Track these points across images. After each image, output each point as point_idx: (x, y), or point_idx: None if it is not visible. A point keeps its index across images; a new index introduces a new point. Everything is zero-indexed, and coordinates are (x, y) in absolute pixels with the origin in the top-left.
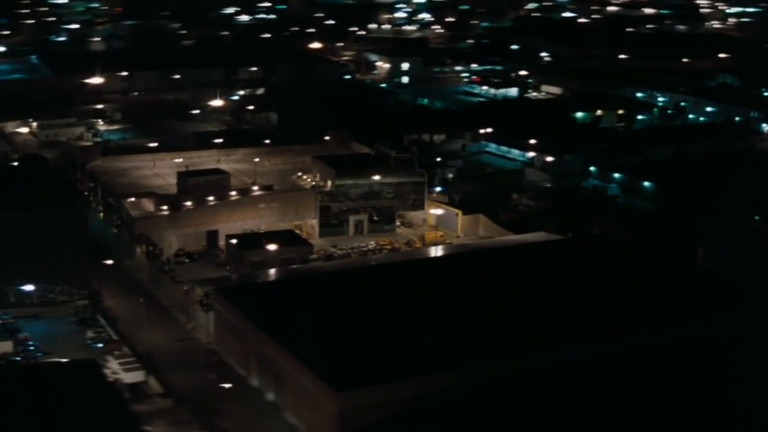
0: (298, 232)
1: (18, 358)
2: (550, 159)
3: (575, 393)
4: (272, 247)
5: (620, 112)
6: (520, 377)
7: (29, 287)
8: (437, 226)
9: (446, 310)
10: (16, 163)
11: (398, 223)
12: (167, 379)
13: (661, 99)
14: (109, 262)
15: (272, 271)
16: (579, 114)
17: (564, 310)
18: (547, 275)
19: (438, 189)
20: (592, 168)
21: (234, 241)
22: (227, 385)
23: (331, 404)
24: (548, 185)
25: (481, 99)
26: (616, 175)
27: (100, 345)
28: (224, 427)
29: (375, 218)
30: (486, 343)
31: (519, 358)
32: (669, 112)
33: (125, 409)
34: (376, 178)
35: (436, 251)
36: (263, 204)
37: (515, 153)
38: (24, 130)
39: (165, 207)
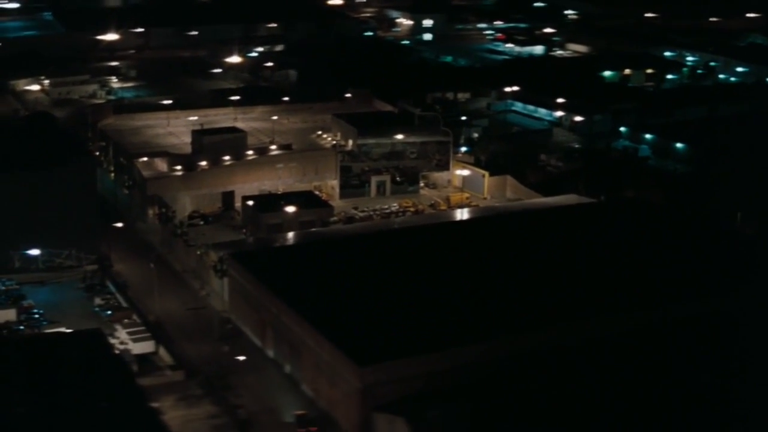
0: (317, 193)
1: (21, 327)
2: (578, 119)
3: (610, 367)
4: (291, 209)
5: (649, 71)
6: (552, 350)
7: (35, 251)
8: (463, 187)
9: (473, 277)
10: (23, 122)
11: (422, 185)
12: (178, 350)
13: (690, 59)
14: (120, 224)
15: (290, 235)
16: (607, 73)
17: (598, 279)
18: (580, 241)
19: (463, 149)
20: (622, 128)
21: (251, 202)
22: (241, 358)
23: (353, 379)
24: (577, 146)
25: (506, 57)
26: (647, 136)
27: (109, 313)
28: (237, 403)
29: (398, 179)
30: (516, 314)
31: (551, 329)
32: (699, 72)
33: (132, 383)
34: (400, 137)
35: (462, 214)
36: (281, 164)
37: (542, 112)
38: (35, 87)
39: (179, 167)
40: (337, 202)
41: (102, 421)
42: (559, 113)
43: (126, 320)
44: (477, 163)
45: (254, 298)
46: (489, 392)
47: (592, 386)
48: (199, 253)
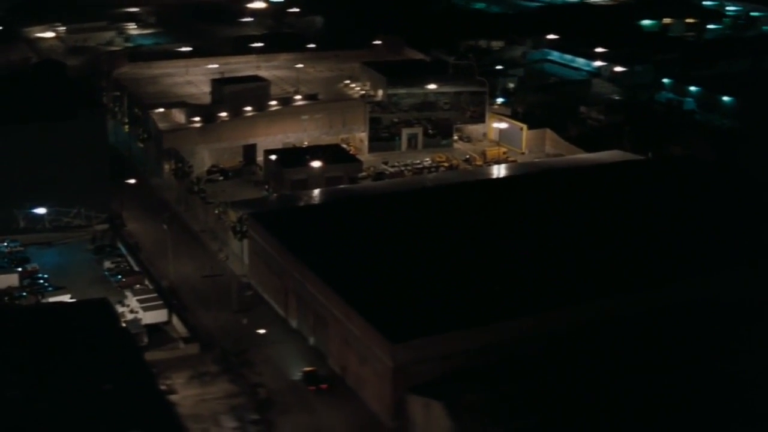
0: (345, 146)
1: (24, 294)
2: (619, 69)
3: (663, 342)
4: (316, 163)
5: (689, 21)
6: (600, 324)
7: (40, 210)
8: (499, 141)
9: (514, 242)
10: (31, 70)
11: (456, 138)
12: (193, 320)
13: (731, 8)
14: (133, 181)
15: (316, 192)
16: (645, 22)
17: (649, 245)
18: (628, 202)
19: (499, 100)
20: (664, 80)
21: (273, 157)
22: (262, 331)
23: (385, 357)
24: (618, 98)
25: (540, 4)
26: (692, 88)
27: (119, 278)
28: (257, 381)
29: (430, 132)
30: (560, 284)
31: (600, 302)
32: (740, 22)
33: (140, 361)
34: (432, 87)
35: (500, 171)
36: (306, 115)
37: (580, 62)
38: (50, 35)
39: (197, 119)
40: (365, 157)
41: (104, 407)
42: (598, 63)
43: (137, 286)
44: (514, 116)
45: (276, 263)
46: (533, 372)
47: (644, 364)
48: (217, 212)
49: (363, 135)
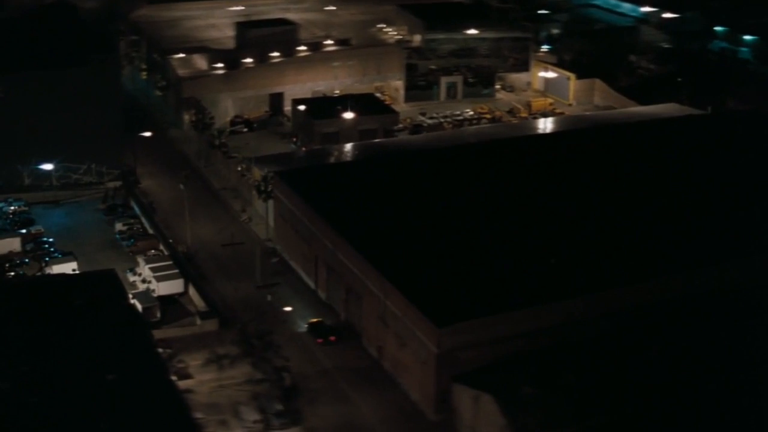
0: (379, 95)
1: (26, 261)
2: (668, 15)
3: (743, 321)
4: (349, 115)
5: None
6: (671, 302)
7: (48, 166)
8: (545, 91)
9: (566, 209)
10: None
11: (498, 87)
12: (212, 292)
13: None
14: (148, 133)
15: (348, 147)
16: None
17: (722, 214)
18: (694, 163)
19: (544, 47)
20: (717, 28)
21: (302, 107)
22: (288, 309)
23: (429, 342)
24: (668, 46)
25: None
26: (747, 37)
27: (131, 241)
28: (282, 365)
29: (471, 80)
30: (622, 258)
31: (668, 277)
32: None
33: (147, 344)
34: (473, 32)
35: (547, 124)
36: (338, 62)
37: (626, 7)
38: None
39: (220, 65)
40: (401, 107)
41: (105, 401)
42: (646, 8)
43: (151, 252)
44: (560, 64)
45: (305, 228)
46: (598, 360)
47: (727, 349)
48: (240, 168)
49: (399, 83)
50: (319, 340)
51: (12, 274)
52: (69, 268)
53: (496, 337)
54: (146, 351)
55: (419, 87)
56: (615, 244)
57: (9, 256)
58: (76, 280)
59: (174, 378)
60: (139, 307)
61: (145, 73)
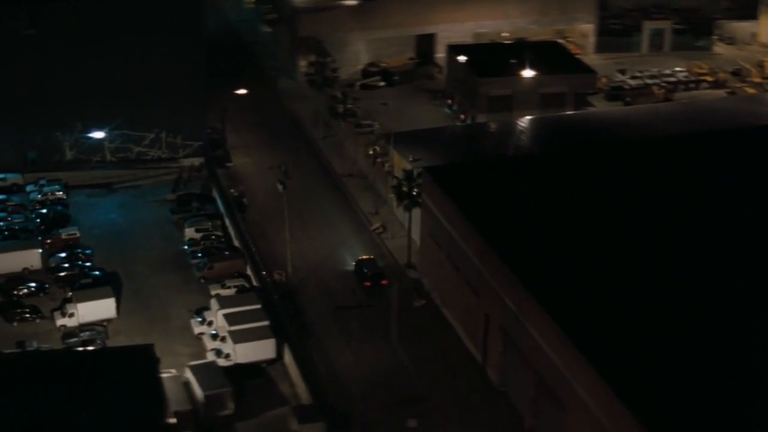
0: (561, 43)
1: (45, 286)
2: None
3: None
4: (528, 72)
5: None
6: None
7: (98, 134)
8: None
9: None
10: None
11: (715, 38)
12: (321, 360)
13: None
14: (242, 91)
15: (528, 120)
16: None
17: None
18: None
19: None
20: None
21: (462, 58)
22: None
23: None
24: None
25: None
26: None
27: (203, 262)
28: None
29: (680, 28)
30: None
31: None
32: None
33: None
34: None
35: None
36: None
37: None
38: None
39: None
40: (590, 58)
41: None
42: None
43: (229, 285)
44: None
45: (470, 265)
46: None
47: None
48: (371, 152)
49: (587, 27)
50: (367, 284)
51: (19, 312)
52: (101, 309)
53: None
54: None
55: (614, 33)
56: None
57: (23, 275)
58: (91, 360)
59: None
60: (198, 392)
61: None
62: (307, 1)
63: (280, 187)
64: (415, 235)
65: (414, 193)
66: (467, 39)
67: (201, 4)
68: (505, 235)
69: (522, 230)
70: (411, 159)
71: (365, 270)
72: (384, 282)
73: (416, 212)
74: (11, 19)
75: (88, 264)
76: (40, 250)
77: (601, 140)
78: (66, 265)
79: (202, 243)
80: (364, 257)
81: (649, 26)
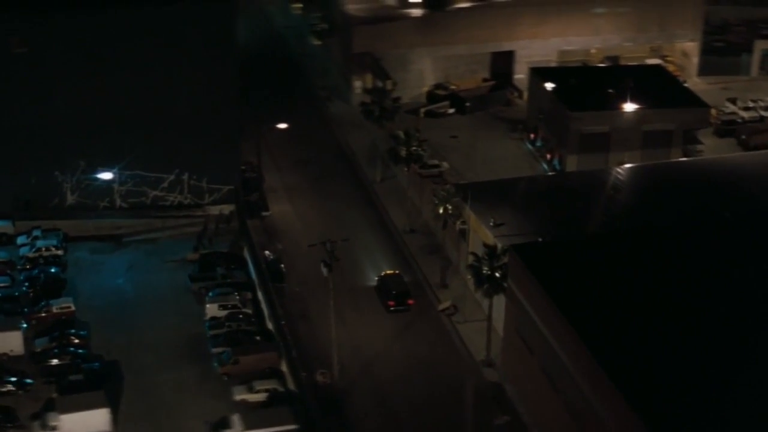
0: (664, 66)
1: (27, 381)
2: None
3: None
4: (629, 106)
5: None
6: None
7: (106, 174)
8: None
9: None
10: None
11: None
12: None
13: None
14: (283, 125)
15: (632, 171)
16: None
17: None
18: None
19: None
20: None
21: (549, 85)
22: None
23: None
24: None
25: None
26: None
27: (227, 354)
28: None
29: None
30: None
31: None
32: None
33: None
34: None
35: None
36: (603, 7)
37: None
38: None
39: (414, 1)
40: (693, 82)
41: None
42: None
43: (259, 388)
44: None
45: (569, 378)
46: None
47: None
48: (437, 203)
49: (689, 45)
50: (390, 303)
51: None
52: (91, 421)
53: None
54: None
55: (719, 52)
56: None
57: (1, 363)
58: None
59: None
60: None
61: (299, 4)
62: (363, 10)
63: (324, 270)
64: (498, 323)
65: (497, 275)
66: (551, 57)
67: (235, 12)
68: (624, 350)
69: (647, 342)
70: (492, 224)
71: (390, 287)
72: (410, 302)
73: (499, 301)
74: None
75: (81, 351)
76: (23, 330)
77: (726, 204)
78: (55, 350)
79: (226, 325)
80: (389, 272)
81: (760, 45)
